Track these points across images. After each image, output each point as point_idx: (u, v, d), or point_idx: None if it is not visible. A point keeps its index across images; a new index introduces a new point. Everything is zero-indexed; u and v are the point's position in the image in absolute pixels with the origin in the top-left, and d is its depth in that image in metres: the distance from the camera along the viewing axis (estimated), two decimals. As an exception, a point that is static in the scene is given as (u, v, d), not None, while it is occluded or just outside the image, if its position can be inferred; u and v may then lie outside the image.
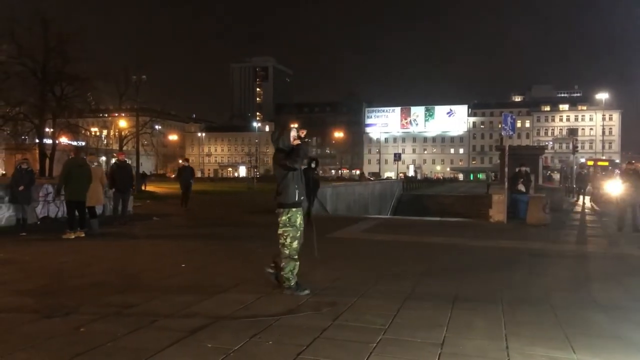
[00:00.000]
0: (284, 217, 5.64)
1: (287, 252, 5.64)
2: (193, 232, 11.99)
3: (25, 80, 41.73)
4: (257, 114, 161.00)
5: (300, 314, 4.82)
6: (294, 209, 5.65)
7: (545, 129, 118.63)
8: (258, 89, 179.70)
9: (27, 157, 15.25)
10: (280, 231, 5.66)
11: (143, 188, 33.44)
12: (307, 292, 5.64)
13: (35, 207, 13.06)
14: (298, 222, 5.69)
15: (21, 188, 12.06)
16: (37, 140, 45.24)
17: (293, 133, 5.66)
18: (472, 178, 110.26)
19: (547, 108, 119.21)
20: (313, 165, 13.70)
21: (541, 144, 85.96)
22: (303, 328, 4.38)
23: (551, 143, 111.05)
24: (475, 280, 6.63)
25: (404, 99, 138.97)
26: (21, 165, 12.68)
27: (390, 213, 33.72)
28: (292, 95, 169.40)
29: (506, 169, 14.93)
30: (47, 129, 45.32)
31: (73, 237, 10.18)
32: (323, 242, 10.26)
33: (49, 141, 45.92)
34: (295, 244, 5.66)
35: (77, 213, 10.65)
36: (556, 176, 62.36)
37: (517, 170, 15.28)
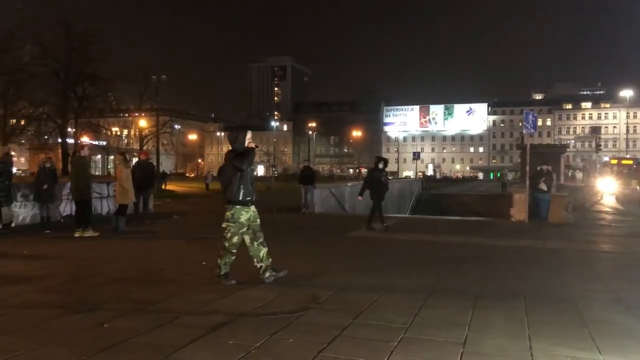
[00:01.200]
0: (227, 213, 6.07)
1: (226, 244, 6.04)
2: (213, 230, 12.05)
3: (48, 81, 42.53)
4: (275, 113, 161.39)
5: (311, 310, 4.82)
6: (237, 207, 6.05)
7: (567, 127, 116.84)
8: (276, 89, 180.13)
9: (51, 157, 15.52)
10: (223, 225, 6.09)
11: (163, 187, 33.79)
12: (233, 281, 5.99)
13: (58, 206, 13.29)
14: (242, 219, 6.04)
15: (45, 187, 12.30)
16: (59, 140, 46.00)
17: (248, 136, 6.23)
18: (492, 177, 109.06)
19: (569, 106, 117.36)
20: (381, 165, 11.99)
21: (563, 143, 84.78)
22: (323, 326, 4.38)
23: (573, 141, 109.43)
24: (497, 279, 6.56)
25: (423, 98, 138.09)
26: (45, 164, 12.95)
27: (409, 212, 33.56)
28: (310, 94, 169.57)
29: (527, 168, 14.73)
30: (69, 129, 46.08)
31: (79, 235, 10.15)
32: (342, 241, 10.28)
33: (71, 141, 46.69)
34: (234, 239, 6.02)
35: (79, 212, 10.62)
36: (579, 175, 61.41)
37: (538, 169, 15.07)
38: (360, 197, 11.72)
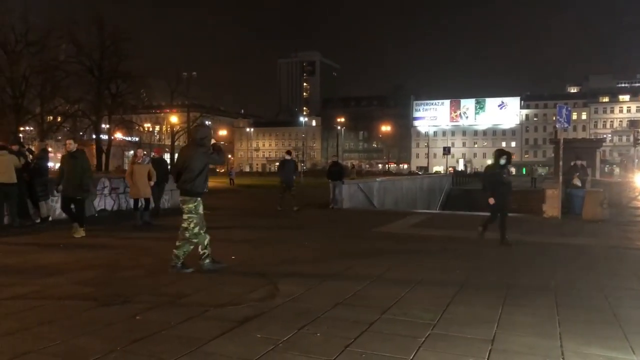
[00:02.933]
0: (191, 205, 6.36)
1: (187, 235, 6.36)
2: (241, 224, 12.19)
3: (83, 79, 43.66)
4: (304, 108, 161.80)
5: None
6: (199, 199, 6.44)
7: (604, 121, 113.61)
8: (305, 84, 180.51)
9: (85, 152, 15.92)
10: (185, 217, 6.38)
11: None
12: (191, 269, 6.34)
13: (93, 200, 13.61)
14: (200, 210, 6.45)
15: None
16: (94, 136, 47.15)
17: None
18: (524, 172, 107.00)
19: (606, 99, 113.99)
20: (502, 161, 9.21)
21: (599, 137, 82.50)
22: (350, 321, 4.39)
23: (610, 136, 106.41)
24: (528, 276, 6.45)
25: (453, 92, 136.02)
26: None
27: (439, 208, 33.22)
28: (339, 89, 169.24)
29: (561, 163, 14.41)
30: (103, 125, 47.18)
31: (79, 235, 9.52)
32: (370, 237, 10.26)
33: (105, 137, 47.80)
34: (196, 230, 6.36)
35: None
36: (616, 170, 59.72)
37: (572, 164, 14.73)
38: (492, 200, 9.03)
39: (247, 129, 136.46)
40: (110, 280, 5.96)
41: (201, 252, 6.48)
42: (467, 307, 4.91)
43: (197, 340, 3.86)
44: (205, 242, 6.49)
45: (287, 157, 16.04)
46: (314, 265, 6.95)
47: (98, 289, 5.46)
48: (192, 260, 6.52)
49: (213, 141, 6.69)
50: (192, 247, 6.43)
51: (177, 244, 6.42)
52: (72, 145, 9.77)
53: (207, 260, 6.48)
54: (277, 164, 16.81)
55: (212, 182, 36.65)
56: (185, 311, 4.63)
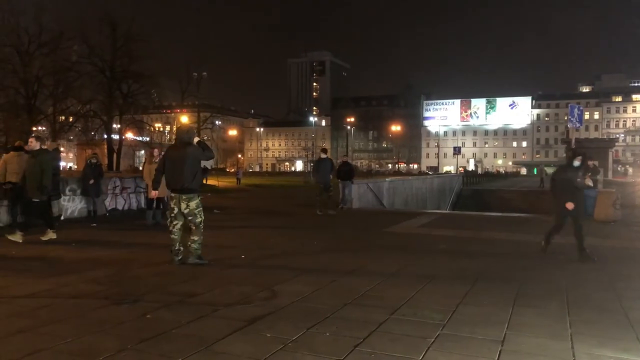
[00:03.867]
0: (197, 200, 6.84)
1: (202, 227, 6.90)
2: (252, 224, 12.23)
3: (94, 79, 43.99)
4: (314, 108, 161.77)
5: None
6: (199, 195, 6.95)
7: (616, 121, 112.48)
8: (315, 84, 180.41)
9: (97, 152, 16.05)
10: (196, 211, 6.83)
11: (204, 182, 34.40)
12: (207, 262, 6.85)
13: (104, 200, 13.74)
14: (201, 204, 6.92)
15: (91, 181, 12.73)
16: (105, 136, 47.51)
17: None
18: (535, 172, 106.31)
19: (619, 98, 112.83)
20: (577, 163, 8.16)
21: (611, 137, 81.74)
22: (360, 321, 4.39)
23: (623, 135, 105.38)
24: (539, 277, 6.41)
25: (464, 92, 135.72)
26: (91, 160, 13.42)
27: (449, 208, 33.08)
28: (349, 89, 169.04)
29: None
30: (114, 125, 47.53)
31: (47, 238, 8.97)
32: (379, 237, 10.24)
33: (116, 137, 48.15)
34: (202, 223, 6.87)
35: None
36: (630, 170, 59.12)
37: (584, 164, 14.58)
38: (571, 205, 7.92)
39: (257, 129, 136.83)
40: (121, 279, 6.00)
41: (178, 248, 6.97)
42: (477, 308, 4.89)
43: (207, 339, 3.88)
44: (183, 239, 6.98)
45: (323, 155, 14.90)
46: (323, 265, 6.95)
47: (109, 288, 5.51)
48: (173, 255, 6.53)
49: (196, 139, 6.93)
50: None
51: (194, 238, 6.84)
52: (33, 144, 9.03)
53: (187, 257, 6.94)
54: (312, 163, 15.53)
55: (219, 182, 36.80)
56: (196, 310, 4.65)
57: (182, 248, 6.92)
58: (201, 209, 6.89)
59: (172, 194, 6.88)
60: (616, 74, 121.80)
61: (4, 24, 38.33)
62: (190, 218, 6.81)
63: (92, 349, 3.68)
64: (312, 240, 9.39)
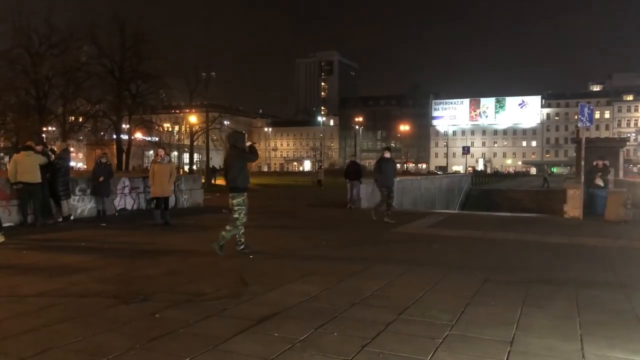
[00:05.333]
0: (240, 199, 7.56)
1: (238, 223, 7.57)
2: (260, 224, 12.25)
3: (104, 80, 44.27)
4: (322, 108, 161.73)
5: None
6: (245, 193, 7.62)
7: (628, 120, 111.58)
8: (323, 84, 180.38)
9: (106, 152, 16.15)
10: (236, 209, 7.56)
11: (213, 182, 34.51)
12: (224, 254, 7.45)
13: (113, 200, 13.82)
14: (246, 202, 7.65)
15: (101, 179, 12.80)
16: (114, 136, 47.79)
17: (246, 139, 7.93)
18: (553, 172, 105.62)
19: (630, 97, 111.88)
20: None
21: (622, 136, 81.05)
22: (368, 321, 4.39)
23: (634, 134, 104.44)
24: (548, 277, 6.36)
25: (473, 91, 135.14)
26: (101, 159, 13.51)
27: (458, 208, 32.94)
28: (357, 89, 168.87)
29: (582, 163, 14.19)
30: (123, 125, 47.79)
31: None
32: (388, 237, 10.22)
33: (125, 137, 48.41)
34: (245, 219, 7.62)
35: None
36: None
37: (594, 163, 14.49)
38: None
39: (265, 129, 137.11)
40: (130, 278, 6.03)
41: (237, 239, 7.72)
42: (485, 308, 4.86)
43: (215, 339, 3.90)
44: (242, 231, 7.76)
45: (387, 155, 12.92)
46: (331, 265, 6.95)
47: (118, 287, 5.54)
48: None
49: (249, 143, 7.76)
50: (240, 231, 7.64)
51: (227, 228, 7.59)
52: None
53: (242, 247, 7.72)
54: (373, 163, 13.31)
55: (223, 182, 36.89)
56: (204, 309, 4.67)
57: (242, 239, 7.70)
58: (243, 207, 7.56)
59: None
60: (628, 73, 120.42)
61: (15, 25, 38.70)
62: (231, 213, 7.61)
63: (101, 348, 3.70)
64: (320, 240, 9.39)
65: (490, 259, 7.65)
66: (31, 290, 5.38)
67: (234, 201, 7.57)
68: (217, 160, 51.02)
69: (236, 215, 7.54)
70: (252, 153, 7.69)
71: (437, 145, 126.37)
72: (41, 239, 9.24)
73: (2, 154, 48.06)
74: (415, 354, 3.66)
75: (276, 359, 3.56)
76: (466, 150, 65.60)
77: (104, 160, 13.46)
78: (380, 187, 12.65)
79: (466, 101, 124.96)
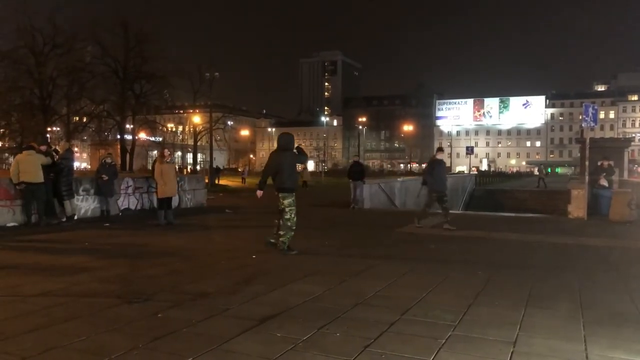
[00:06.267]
0: (290, 199, 7.66)
1: (289, 224, 7.64)
2: (263, 224, 12.24)
3: (107, 80, 44.41)
4: (326, 108, 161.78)
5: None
6: (293, 193, 7.73)
7: (633, 120, 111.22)
8: (326, 84, 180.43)
9: (111, 152, 16.19)
10: (287, 209, 7.64)
11: (216, 182, 34.57)
12: (295, 252, 7.62)
13: (117, 200, 13.84)
14: (295, 202, 7.72)
15: (105, 177, 12.82)
16: (118, 136, 47.89)
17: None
18: (549, 172, 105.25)
19: (635, 97, 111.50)
20: None
21: (627, 136, 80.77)
22: (371, 321, 4.38)
23: (639, 135, 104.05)
24: (552, 278, 6.34)
25: (477, 91, 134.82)
26: (105, 159, 13.55)
27: (461, 208, 32.87)
28: (361, 88, 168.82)
29: (587, 163, 14.14)
30: (127, 125, 47.90)
31: None
32: (391, 237, 10.21)
33: (129, 137, 48.51)
34: (295, 219, 7.66)
35: None
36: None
37: (599, 163, 14.44)
38: None
39: (269, 129, 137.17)
40: (133, 278, 6.04)
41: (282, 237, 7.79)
42: (489, 308, 4.85)
43: (217, 339, 3.89)
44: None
45: (439, 155, 11.81)
46: (334, 265, 6.94)
47: (121, 287, 5.55)
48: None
49: (297, 144, 7.94)
50: (293, 232, 7.70)
51: (281, 232, 7.71)
52: None
53: (272, 239, 7.87)
54: (424, 165, 12.04)
55: (226, 182, 36.71)
56: (206, 309, 4.67)
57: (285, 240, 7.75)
58: (293, 208, 7.67)
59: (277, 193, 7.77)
60: (633, 73, 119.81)
61: (19, 25, 38.85)
62: (282, 214, 7.65)
63: (104, 347, 3.70)
64: (323, 240, 9.39)
65: (493, 259, 7.63)
66: (34, 289, 5.39)
67: (285, 202, 7.65)
68: (220, 160, 51.08)
69: (287, 216, 7.63)
70: (301, 154, 7.91)
71: (440, 145, 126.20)
72: (45, 239, 9.27)
73: (7, 154, 48.23)
74: (418, 354, 3.65)
75: (278, 359, 3.55)
76: (470, 151, 65.48)
77: (108, 160, 13.50)
78: (432, 192, 11.38)
79: (470, 101, 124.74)
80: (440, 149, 12.27)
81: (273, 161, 7.78)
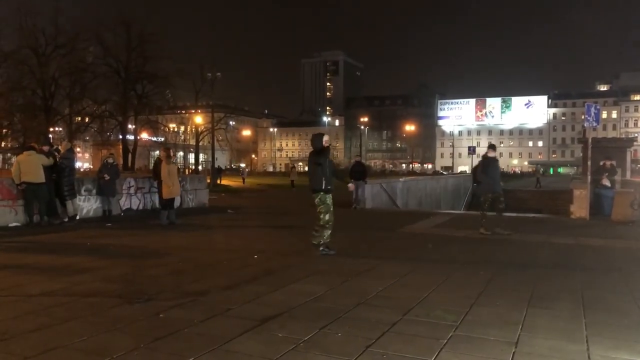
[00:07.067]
0: (317, 199, 7.63)
1: (322, 223, 7.62)
2: (265, 224, 12.27)
3: (109, 80, 44.49)
4: (327, 108, 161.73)
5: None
6: (321, 193, 7.60)
7: (635, 120, 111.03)
8: (328, 84, 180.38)
9: (113, 153, 16.21)
10: (323, 209, 7.62)
11: (218, 182, 34.57)
12: (333, 252, 7.61)
13: (119, 200, 13.86)
14: (328, 202, 7.64)
15: (107, 177, 12.84)
16: (120, 136, 47.98)
17: (325, 138, 7.81)
18: (552, 172, 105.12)
19: (638, 97, 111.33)
20: None
21: (630, 136, 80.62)
22: (372, 321, 4.37)
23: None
24: (554, 278, 6.32)
25: (479, 91, 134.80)
26: (108, 160, 13.56)
27: (463, 208, 32.85)
28: (363, 89, 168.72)
29: (589, 163, 14.11)
30: (129, 126, 47.97)
31: None
32: (393, 237, 10.20)
33: (131, 137, 48.57)
34: (327, 217, 7.60)
35: None
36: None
37: (601, 163, 14.41)
38: None
39: (271, 129, 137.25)
40: (135, 278, 6.05)
41: (320, 241, 7.72)
42: (490, 309, 4.84)
43: (219, 339, 3.89)
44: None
45: (492, 153, 10.74)
46: (336, 265, 6.93)
47: (123, 287, 5.55)
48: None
49: (325, 142, 7.78)
50: (329, 231, 7.65)
51: (316, 229, 7.69)
52: None
53: (322, 248, 7.68)
54: (476, 164, 11.41)
55: (227, 181, 36.71)
56: (208, 309, 4.67)
57: (323, 241, 7.71)
58: (322, 206, 7.59)
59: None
60: (635, 72, 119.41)
61: (22, 25, 38.93)
62: (318, 214, 7.64)
63: (105, 347, 3.71)
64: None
65: (495, 259, 7.62)
66: (36, 289, 5.39)
67: (315, 201, 7.67)
68: (222, 160, 51.10)
69: (321, 217, 7.62)
70: (319, 155, 7.68)
71: (442, 145, 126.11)
72: (47, 239, 9.28)
73: (9, 154, 48.36)
74: (420, 354, 3.64)
75: (280, 359, 3.55)
76: (472, 151, 65.29)
77: (110, 160, 13.50)
78: (487, 193, 10.48)
79: (472, 101, 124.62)
80: (492, 146, 11.07)
81: (309, 162, 7.93)
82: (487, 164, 10.60)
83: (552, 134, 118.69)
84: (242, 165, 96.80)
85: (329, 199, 7.64)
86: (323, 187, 7.56)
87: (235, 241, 9.36)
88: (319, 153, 7.67)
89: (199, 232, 10.58)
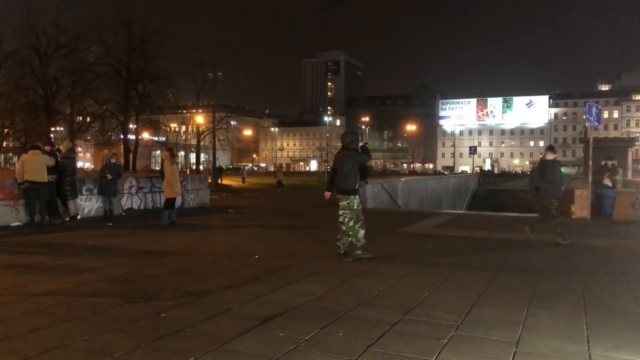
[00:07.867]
0: (344, 202, 7.15)
1: (344, 228, 7.19)
2: (266, 224, 12.27)
3: (111, 80, 44.53)
4: (329, 108, 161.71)
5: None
6: (351, 196, 7.15)
7: (637, 120, 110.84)
8: (329, 84, 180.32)
9: (115, 152, 16.22)
10: (340, 212, 7.20)
11: (219, 182, 34.56)
12: (351, 259, 7.08)
13: (120, 199, 13.87)
14: (355, 206, 7.18)
15: (109, 176, 12.85)
16: (122, 136, 48.02)
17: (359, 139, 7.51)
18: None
19: (639, 97, 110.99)
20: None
21: (631, 136, 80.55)
22: (373, 321, 4.37)
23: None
24: (554, 278, 6.32)
25: (480, 91, 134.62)
26: (110, 159, 13.58)
27: (464, 208, 32.87)
28: (364, 88, 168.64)
29: (590, 163, 14.11)
30: (130, 125, 48.01)
31: None
32: (394, 237, 10.20)
33: (132, 137, 48.62)
34: (351, 224, 7.14)
35: None
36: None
37: (602, 163, 14.40)
38: None
39: (272, 129, 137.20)
40: (136, 278, 6.05)
41: (355, 243, 7.27)
42: (491, 309, 4.84)
43: (220, 338, 3.90)
44: (359, 235, 7.25)
45: (550, 156, 9.79)
46: (337, 265, 6.93)
47: (124, 287, 5.56)
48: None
49: (361, 143, 7.51)
50: (350, 239, 7.24)
51: (338, 237, 7.31)
52: None
53: (359, 251, 7.26)
54: (534, 166, 10.54)
55: (227, 181, 36.69)
56: (209, 309, 4.67)
57: (357, 243, 7.29)
58: (347, 212, 7.17)
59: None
60: (637, 72, 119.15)
61: (23, 25, 38.98)
62: (343, 220, 7.23)
63: (107, 347, 3.71)
64: (326, 240, 9.37)
65: (496, 259, 7.61)
66: (37, 289, 5.40)
67: (340, 204, 7.27)
68: (223, 160, 51.11)
69: (340, 220, 7.23)
70: (365, 153, 7.44)
71: (444, 145, 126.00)
72: (48, 239, 9.30)
73: (10, 154, 48.42)
74: (420, 354, 3.65)
75: (281, 358, 3.55)
76: (473, 150, 65.35)
77: (113, 160, 13.52)
78: (549, 197, 9.57)
79: (473, 101, 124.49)
80: (551, 148, 10.13)
81: (334, 161, 7.48)
82: (546, 167, 9.68)
83: (553, 134, 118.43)
84: (248, 165, 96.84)
85: (356, 202, 7.23)
86: (355, 188, 7.19)
87: (236, 241, 9.36)
88: (364, 153, 7.38)
89: (200, 232, 10.59)
